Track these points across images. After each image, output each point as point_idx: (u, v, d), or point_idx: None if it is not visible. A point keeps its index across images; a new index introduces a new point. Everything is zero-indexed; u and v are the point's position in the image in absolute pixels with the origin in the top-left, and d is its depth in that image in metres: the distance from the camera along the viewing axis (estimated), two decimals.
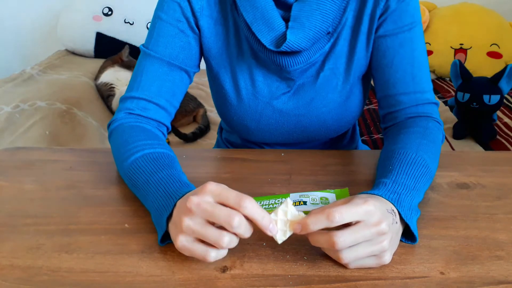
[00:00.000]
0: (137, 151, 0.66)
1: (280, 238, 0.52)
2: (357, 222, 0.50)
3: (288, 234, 0.52)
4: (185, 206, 0.51)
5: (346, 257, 0.50)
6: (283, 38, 0.72)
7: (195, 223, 0.50)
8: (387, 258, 0.52)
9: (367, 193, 0.56)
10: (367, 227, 0.50)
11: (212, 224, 0.51)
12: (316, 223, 0.49)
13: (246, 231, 0.50)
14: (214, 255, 0.51)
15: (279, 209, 0.51)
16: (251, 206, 0.49)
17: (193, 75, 0.82)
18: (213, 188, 0.51)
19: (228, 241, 0.50)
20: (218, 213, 0.49)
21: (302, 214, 0.52)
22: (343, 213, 0.49)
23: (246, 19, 0.73)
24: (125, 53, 1.91)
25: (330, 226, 0.49)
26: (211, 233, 0.50)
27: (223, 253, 0.52)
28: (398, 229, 0.55)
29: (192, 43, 0.79)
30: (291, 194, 0.65)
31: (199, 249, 0.51)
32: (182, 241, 0.51)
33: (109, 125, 0.77)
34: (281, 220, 0.51)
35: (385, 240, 0.51)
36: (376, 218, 0.50)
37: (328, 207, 0.51)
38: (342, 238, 0.49)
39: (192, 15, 0.77)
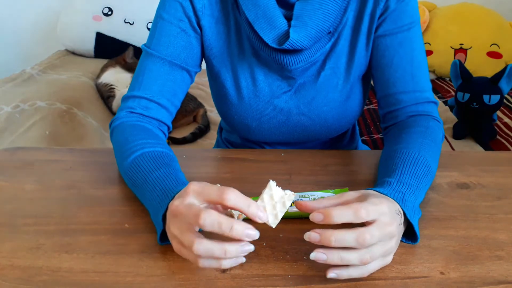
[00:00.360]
0: (137, 149, 0.66)
1: (273, 222, 0.50)
2: (372, 221, 0.49)
3: (280, 215, 0.50)
4: (170, 211, 0.51)
5: (372, 256, 0.48)
6: (285, 36, 0.72)
7: (176, 228, 0.50)
8: (390, 259, 0.52)
9: (375, 191, 0.56)
10: (383, 227, 0.49)
11: None
12: (341, 216, 0.48)
13: (212, 225, 0.46)
14: (205, 262, 0.49)
15: (264, 194, 0.50)
16: (234, 197, 0.47)
17: (194, 74, 0.82)
18: (195, 188, 0.50)
19: (203, 249, 0.47)
20: (187, 214, 0.48)
21: (289, 192, 0.51)
22: (369, 211, 0.48)
23: (248, 17, 0.73)
24: (129, 54, 1.91)
25: (353, 222, 0.48)
26: (186, 239, 0.48)
27: (213, 263, 0.49)
28: (402, 230, 0.55)
29: (194, 42, 0.79)
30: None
31: (187, 255, 0.50)
32: (174, 245, 0.52)
33: (110, 124, 0.77)
34: (269, 204, 0.50)
35: (393, 242, 0.51)
36: (388, 219, 0.50)
37: (349, 201, 0.51)
38: (370, 234, 0.48)
39: (193, 15, 0.77)
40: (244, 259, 0.49)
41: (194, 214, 0.47)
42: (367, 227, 0.48)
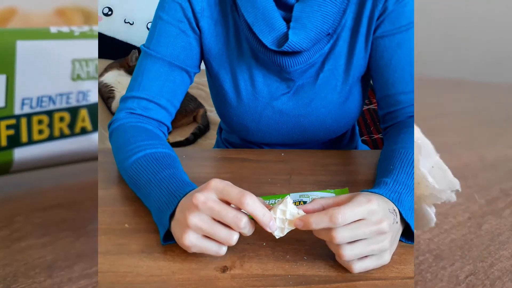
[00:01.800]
0: (139, 151, 0.67)
1: (278, 235, 0.52)
2: (359, 219, 0.50)
3: (286, 231, 0.52)
4: (191, 203, 0.52)
5: (346, 254, 0.50)
6: (284, 38, 0.72)
7: (202, 220, 0.51)
8: (387, 258, 0.52)
9: (368, 192, 0.56)
10: (368, 225, 0.50)
11: (218, 220, 0.52)
12: (318, 223, 0.50)
13: (250, 231, 0.52)
14: (225, 249, 0.53)
15: (278, 208, 0.51)
16: (253, 203, 0.50)
17: (193, 75, 0.82)
18: (217, 185, 0.52)
19: (236, 239, 0.52)
20: (225, 214, 0.51)
21: (302, 213, 0.52)
22: (346, 214, 0.49)
23: (247, 19, 0.74)
24: (131, 58, 1.91)
25: (332, 227, 0.49)
26: (221, 232, 0.51)
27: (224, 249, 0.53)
28: (398, 229, 0.55)
29: (193, 43, 0.79)
30: (291, 194, 0.65)
31: (211, 246, 0.52)
32: (190, 238, 0.52)
33: (109, 125, 0.77)
34: (279, 218, 0.52)
35: (386, 240, 0.51)
36: (378, 217, 0.50)
37: (332, 205, 0.51)
38: (341, 234, 0.49)
39: (192, 16, 0.77)
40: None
41: (235, 216, 0.50)
42: (342, 226, 0.49)
